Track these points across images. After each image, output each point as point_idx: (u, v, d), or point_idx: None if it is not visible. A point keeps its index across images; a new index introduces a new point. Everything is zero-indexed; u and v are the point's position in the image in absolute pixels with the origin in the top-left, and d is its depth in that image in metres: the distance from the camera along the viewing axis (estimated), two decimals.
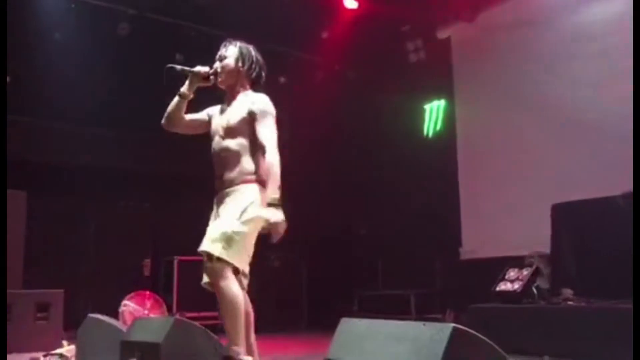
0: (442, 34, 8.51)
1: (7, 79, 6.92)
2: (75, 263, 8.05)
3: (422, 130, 8.74)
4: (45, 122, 8.09)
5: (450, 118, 8.45)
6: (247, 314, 3.22)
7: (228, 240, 2.98)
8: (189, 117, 3.39)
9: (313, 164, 9.54)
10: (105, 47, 7.61)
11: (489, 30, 7.91)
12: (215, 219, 3.16)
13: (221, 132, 3.25)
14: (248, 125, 3.19)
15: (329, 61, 9.16)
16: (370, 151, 9.19)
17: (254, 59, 3.35)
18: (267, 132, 3.14)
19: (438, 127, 8.62)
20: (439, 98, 8.64)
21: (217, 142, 3.26)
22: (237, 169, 3.16)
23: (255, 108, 3.18)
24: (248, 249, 3.10)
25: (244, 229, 3.03)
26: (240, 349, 2.95)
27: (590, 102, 6.52)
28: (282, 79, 8.65)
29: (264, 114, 3.18)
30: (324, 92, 9.23)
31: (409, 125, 8.82)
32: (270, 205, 3.00)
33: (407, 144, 8.64)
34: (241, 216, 3.03)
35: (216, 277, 2.96)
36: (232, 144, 3.19)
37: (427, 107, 8.75)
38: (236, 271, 3.02)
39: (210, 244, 2.99)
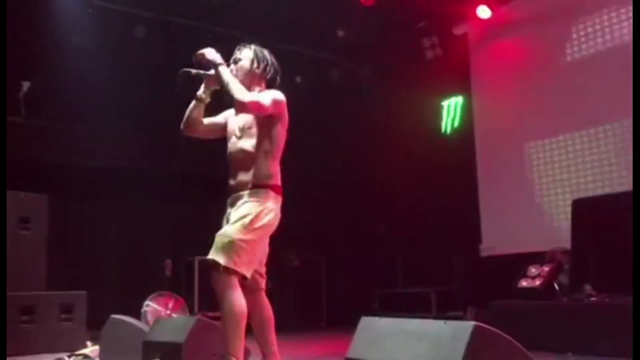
0: (458, 30, 8.46)
1: (27, 83, 7.02)
2: (97, 264, 8.14)
3: (440, 127, 8.70)
4: (65, 125, 8.18)
5: (468, 114, 8.40)
6: (266, 316, 3.22)
7: (235, 249, 2.95)
8: (207, 121, 3.37)
9: (330, 163, 9.55)
10: (123, 50, 7.68)
11: (506, 26, 7.86)
12: (227, 221, 3.14)
13: (237, 133, 3.24)
14: (263, 125, 3.17)
15: (345, 60, 9.15)
16: (388, 149, 9.17)
17: (269, 61, 3.34)
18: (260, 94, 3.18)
19: (456, 124, 8.58)
20: (456, 94, 8.59)
21: (233, 143, 3.25)
22: (252, 172, 3.13)
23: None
24: (257, 254, 3.09)
25: (252, 236, 3.01)
26: (238, 359, 2.94)
27: (611, 97, 6.45)
28: (298, 79, 8.66)
29: (269, 93, 3.20)
30: (340, 91, 9.22)
31: (427, 122, 8.78)
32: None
33: (425, 141, 8.60)
34: (250, 224, 3.01)
35: (222, 286, 2.94)
36: (248, 145, 3.17)
37: (444, 103, 8.71)
38: (244, 277, 3.01)
39: (217, 252, 2.97)
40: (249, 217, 3.02)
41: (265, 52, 3.37)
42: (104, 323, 4.78)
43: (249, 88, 3.29)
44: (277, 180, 3.18)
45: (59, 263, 6.68)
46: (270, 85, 3.35)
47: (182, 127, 3.35)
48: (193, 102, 3.30)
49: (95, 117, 7.95)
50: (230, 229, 3.03)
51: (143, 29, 7.70)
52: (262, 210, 3.05)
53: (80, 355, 4.92)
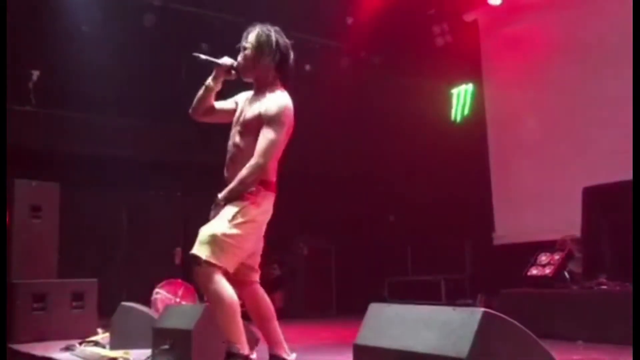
0: (468, 17, 8.39)
1: (37, 72, 7.03)
2: (108, 252, 8.19)
3: (450, 115, 8.65)
4: (76, 113, 8.20)
5: (478, 102, 8.34)
6: (263, 308, 3.21)
7: (217, 243, 2.92)
8: (217, 105, 3.34)
9: (340, 152, 9.53)
10: (132, 39, 7.68)
11: (516, 12, 7.78)
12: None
13: (238, 127, 3.20)
14: (258, 126, 3.09)
15: (355, 47, 9.10)
16: (398, 137, 9.14)
17: (274, 45, 3.14)
18: (265, 140, 3.02)
19: (466, 112, 8.52)
20: (466, 82, 8.54)
21: (232, 136, 3.22)
22: (243, 167, 3.07)
23: (266, 113, 3.07)
24: (244, 249, 3.04)
25: (237, 231, 2.96)
26: (242, 346, 2.93)
27: (621, 82, 6.38)
28: (307, 67, 8.63)
29: (272, 121, 3.04)
30: (349, 79, 9.18)
31: (437, 110, 8.73)
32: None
33: (435, 129, 8.56)
34: (234, 218, 2.97)
35: (205, 281, 2.92)
36: (244, 142, 3.13)
37: (454, 91, 8.66)
38: (227, 272, 2.97)
39: (199, 246, 2.94)
40: (234, 212, 2.99)
41: (272, 35, 3.17)
42: (115, 310, 4.82)
43: (260, 78, 3.21)
44: (269, 176, 3.10)
45: (70, 251, 6.72)
46: (281, 71, 3.21)
47: (190, 111, 3.33)
48: (202, 89, 3.28)
49: (106, 106, 7.98)
50: (214, 224, 3.00)
51: (153, 17, 7.70)
52: (248, 205, 3.01)
53: (91, 342, 4.95)
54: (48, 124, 7.90)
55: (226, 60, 3.25)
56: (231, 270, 2.99)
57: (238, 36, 3.35)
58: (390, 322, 2.26)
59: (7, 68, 5.52)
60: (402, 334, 2.15)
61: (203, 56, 3.27)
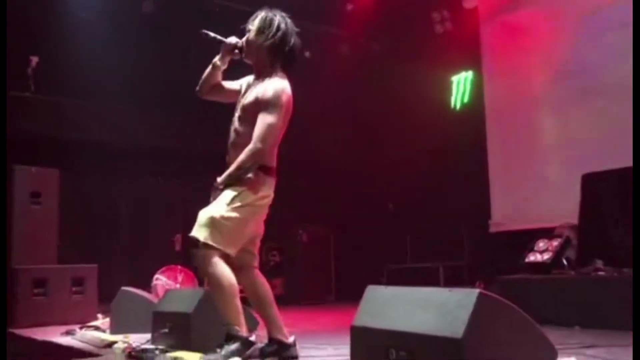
0: (468, 4, 8.35)
1: (36, 58, 7.02)
2: (108, 239, 8.22)
3: (449, 102, 8.64)
4: (77, 100, 8.20)
5: (478, 90, 8.32)
6: (261, 293, 3.22)
7: (216, 225, 2.95)
8: (225, 85, 3.38)
9: (339, 139, 9.53)
10: (131, 25, 7.66)
11: None
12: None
13: (238, 112, 3.23)
14: (256, 110, 3.11)
15: (354, 34, 9.07)
16: (397, 125, 9.13)
17: (275, 29, 3.17)
18: (263, 125, 3.04)
19: (466, 99, 8.51)
20: (466, 69, 8.51)
21: (234, 121, 3.25)
22: (243, 152, 3.08)
23: (262, 97, 3.09)
24: (243, 233, 3.07)
25: (235, 214, 2.98)
26: (241, 327, 2.96)
27: (622, 71, 6.37)
28: (306, 54, 8.60)
29: (269, 105, 3.06)
30: (349, 66, 9.16)
31: (436, 98, 8.71)
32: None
33: (434, 117, 8.55)
34: (233, 201, 3.00)
35: (203, 263, 2.95)
36: (243, 126, 3.16)
37: (454, 79, 8.63)
38: (227, 255, 2.99)
39: (197, 229, 2.97)
40: (232, 195, 3.01)
41: (276, 19, 3.19)
42: (115, 296, 4.86)
43: (260, 63, 3.23)
44: (268, 161, 3.12)
45: (71, 237, 6.75)
46: (280, 55, 3.20)
47: (197, 88, 3.37)
48: (209, 67, 3.31)
49: (105, 92, 7.96)
50: (213, 207, 3.03)
51: (151, 3, 7.67)
52: (247, 189, 3.03)
53: (91, 326, 4.99)
54: (47, 110, 7.90)
55: (231, 40, 3.27)
56: (233, 253, 3.01)
57: (239, 23, 3.36)
58: (387, 303, 2.28)
59: (6, 54, 5.51)
60: (399, 315, 2.17)
61: (211, 34, 3.32)
